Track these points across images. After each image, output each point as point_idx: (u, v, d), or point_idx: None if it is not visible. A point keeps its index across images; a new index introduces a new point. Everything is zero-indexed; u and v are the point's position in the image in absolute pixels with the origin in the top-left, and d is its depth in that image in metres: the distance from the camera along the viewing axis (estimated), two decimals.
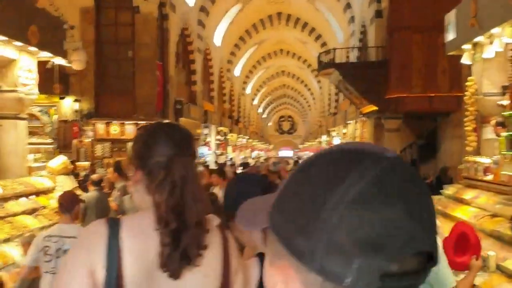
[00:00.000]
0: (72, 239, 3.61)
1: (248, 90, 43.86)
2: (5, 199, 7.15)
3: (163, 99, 17.42)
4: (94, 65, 16.21)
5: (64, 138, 16.15)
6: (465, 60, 7.37)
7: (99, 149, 16.15)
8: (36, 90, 8.71)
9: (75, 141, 16.01)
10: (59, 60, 9.21)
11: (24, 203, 7.39)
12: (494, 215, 5.29)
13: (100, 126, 16.10)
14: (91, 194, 7.60)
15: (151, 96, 16.20)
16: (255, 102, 51.21)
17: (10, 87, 8.18)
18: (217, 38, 27.90)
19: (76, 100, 15.90)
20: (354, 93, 16.19)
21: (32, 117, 16.58)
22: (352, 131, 22.77)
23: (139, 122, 16.02)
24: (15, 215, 6.93)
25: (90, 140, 16.11)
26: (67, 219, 3.98)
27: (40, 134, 16.86)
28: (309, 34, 32.79)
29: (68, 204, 4.00)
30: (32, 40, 7.97)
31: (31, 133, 17.48)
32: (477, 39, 6.69)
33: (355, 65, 17.40)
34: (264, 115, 64.62)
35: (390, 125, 14.86)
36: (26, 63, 8.37)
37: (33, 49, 8.29)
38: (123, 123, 16.11)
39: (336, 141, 27.80)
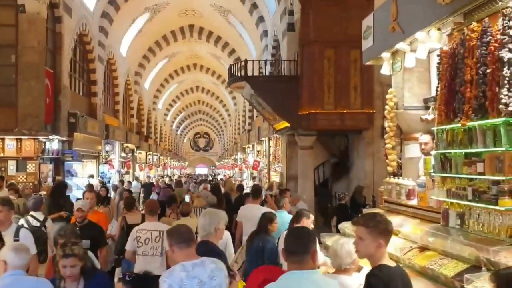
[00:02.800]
0: (159, 231, 5.36)
1: (160, 105, 41.92)
2: None
3: (54, 111, 15.30)
4: None
5: None
6: (385, 70, 6.56)
7: None
8: None
9: None
10: None
11: None
12: (424, 248, 4.36)
13: None
14: None
15: (37, 108, 14.06)
16: (168, 118, 49.24)
17: None
18: (123, 48, 25.99)
19: None
20: (267, 108, 15.31)
21: None
22: (265, 148, 21.98)
23: (22, 137, 13.86)
24: None
25: None
26: (152, 219, 5.70)
27: None
28: (223, 49, 31.88)
29: (154, 208, 5.85)
30: None
31: None
32: (398, 46, 5.87)
33: (267, 78, 16.57)
34: (179, 132, 62.67)
35: (303, 142, 14.11)
36: None
37: None
38: (2, 138, 13.82)
39: (250, 158, 26.95)
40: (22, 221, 6.00)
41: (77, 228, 5.25)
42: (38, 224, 6.16)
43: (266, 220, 5.67)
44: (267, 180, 19.86)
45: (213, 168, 65.32)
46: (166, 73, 38.30)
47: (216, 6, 25.91)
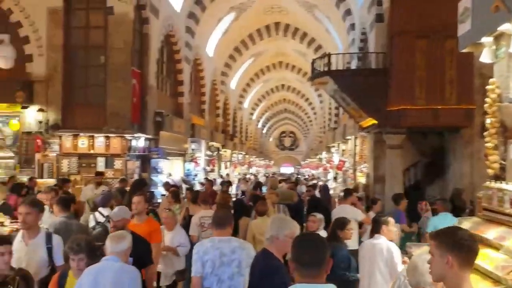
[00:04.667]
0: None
1: (246, 104, 42.25)
2: None
3: (141, 110, 15.71)
4: (62, 72, 14.62)
5: (26, 152, 14.49)
6: (485, 57, 5.59)
7: (65, 165, 14.42)
8: None
9: (38, 156, 14.31)
10: None
11: None
12: None
13: (67, 139, 14.42)
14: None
15: (124, 107, 14.51)
16: (254, 117, 49.56)
17: None
18: (210, 48, 26.34)
19: (40, 110, 14.25)
20: (352, 105, 14.46)
21: None
22: (351, 147, 21.02)
23: (110, 135, 14.37)
24: None
25: (55, 154, 14.40)
26: (207, 207, 7.07)
27: (2, 147, 15.23)
28: (309, 45, 31.25)
29: (206, 198, 7.33)
30: None
31: None
32: (502, 28, 4.92)
33: (352, 72, 15.65)
34: (264, 130, 62.97)
35: (392, 141, 13.11)
36: None
37: None
38: (92, 136, 14.42)
39: (335, 158, 26.06)
40: (90, 217, 5.97)
41: None
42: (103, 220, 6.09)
43: (337, 225, 5.10)
44: (353, 181, 18.94)
45: (298, 167, 64.77)
46: (252, 72, 38.47)
47: (302, 2, 25.36)
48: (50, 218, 6.22)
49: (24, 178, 12.35)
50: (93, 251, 3.79)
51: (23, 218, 4.23)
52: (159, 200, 12.07)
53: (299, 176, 32.60)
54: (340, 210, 7.30)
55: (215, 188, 14.90)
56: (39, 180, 12.83)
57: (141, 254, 4.46)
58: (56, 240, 4.38)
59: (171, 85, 20.54)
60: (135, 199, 5.57)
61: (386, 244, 5.01)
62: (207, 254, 3.87)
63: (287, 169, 64.90)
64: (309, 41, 30.91)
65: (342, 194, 8.42)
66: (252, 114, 47.93)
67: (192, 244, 6.31)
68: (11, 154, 14.93)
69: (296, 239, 2.49)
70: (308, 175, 38.65)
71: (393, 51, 12.87)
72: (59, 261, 4.31)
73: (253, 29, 30.27)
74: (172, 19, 19.10)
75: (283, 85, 47.56)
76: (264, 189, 12.30)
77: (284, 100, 55.25)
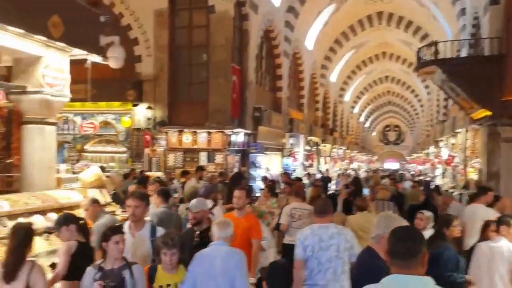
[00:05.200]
0: (303, 210, 6.74)
1: (347, 97, 41.26)
2: (15, 215, 6.09)
3: (240, 106, 16.02)
4: (168, 71, 15.38)
5: (136, 147, 15.50)
6: None
7: (171, 159, 15.20)
8: (67, 91, 7.68)
9: (147, 150, 15.24)
10: (94, 58, 8.10)
11: (37, 221, 6.26)
12: None
13: (173, 135, 15.16)
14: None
15: (225, 103, 14.89)
16: (355, 110, 48.26)
17: (35, 88, 7.21)
18: (309, 41, 26.07)
19: (149, 108, 15.16)
20: (462, 95, 13.40)
21: (107, 125, 16.27)
22: (462, 141, 19.51)
23: (212, 130, 14.84)
24: None
25: (162, 149, 15.24)
26: (299, 200, 7.04)
27: (115, 142, 16.47)
28: (414, 34, 29.60)
29: (300, 191, 7.35)
30: (54, 32, 6.91)
31: (108, 141, 17.29)
32: None
33: (461, 61, 14.44)
34: (367, 124, 61.08)
35: (508, 133, 11.91)
36: (54, 61, 7.36)
37: (60, 44, 7.27)
38: (195, 132, 15.01)
39: (444, 153, 24.39)
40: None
41: (197, 233, 4.67)
42: None
43: (442, 223, 4.68)
44: (463, 178, 17.56)
45: (404, 163, 61.92)
46: (353, 64, 37.45)
47: None
48: (152, 208, 6.54)
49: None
50: (183, 246, 3.88)
51: (132, 211, 4.29)
52: (258, 194, 12.18)
53: (403, 172, 31.12)
54: (471, 210, 6.63)
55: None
56: (148, 173, 13.64)
57: None
58: (161, 233, 4.34)
59: (270, 80, 20.67)
60: (237, 193, 5.42)
61: (507, 246, 4.68)
62: (307, 239, 4.19)
63: (391, 165, 62.39)
64: (415, 30, 29.27)
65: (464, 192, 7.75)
66: (353, 107, 46.72)
67: (283, 233, 7.07)
68: (124, 149, 16.12)
69: (391, 232, 2.44)
70: (415, 171, 36.74)
71: (510, 36, 11.64)
72: None
73: (354, 20, 29.42)
74: (271, 14, 19.17)
75: (386, 77, 45.70)
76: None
77: (388, 92, 53.08)
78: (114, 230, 3.69)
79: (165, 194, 6.20)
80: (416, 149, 50.00)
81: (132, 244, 4.21)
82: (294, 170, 21.95)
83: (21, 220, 6.15)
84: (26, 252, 3.58)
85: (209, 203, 6.50)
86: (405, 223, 3.63)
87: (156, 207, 6.19)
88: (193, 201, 4.88)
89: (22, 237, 3.60)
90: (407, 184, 15.61)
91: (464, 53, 16.31)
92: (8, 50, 6.81)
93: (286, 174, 13.37)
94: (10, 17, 6.04)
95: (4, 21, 5.96)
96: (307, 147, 26.32)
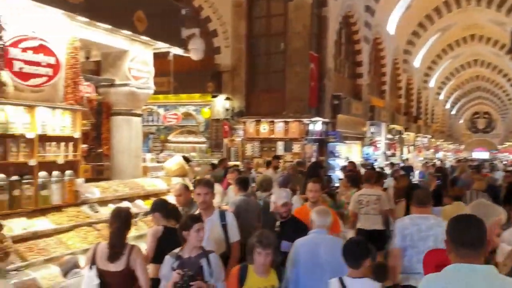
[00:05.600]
0: (371, 196, 6.86)
1: (431, 83, 39.20)
2: (105, 202, 6.48)
3: (318, 94, 15.79)
4: (246, 61, 15.53)
5: (216, 137, 15.87)
6: None
7: (249, 149, 15.38)
8: (151, 84, 8.00)
9: (226, 140, 15.55)
10: (176, 51, 8.35)
11: None
12: None
13: (250, 125, 15.32)
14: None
15: (302, 91, 14.76)
16: (441, 97, 45.78)
17: (122, 81, 7.59)
18: (391, 26, 25.04)
19: (227, 98, 15.43)
20: None
21: (189, 116, 16.80)
22: None
23: (289, 119, 14.79)
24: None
25: (240, 139, 15.47)
26: (369, 186, 7.12)
27: (196, 133, 16.98)
28: (508, 13, 27.33)
29: (369, 177, 7.33)
30: (139, 27, 7.21)
31: (189, 132, 17.87)
32: None
33: None
34: (453, 112, 57.77)
35: None
36: (139, 55, 7.69)
37: (145, 38, 7.57)
38: (272, 121, 15.04)
39: None
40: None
41: (278, 223, 4.62)
42: None
43: None
44: None
45: (494, 152, 57.90)
46: (439, 48, 35.43)
47: None
48: (232, 197, 6.67)
49: (215, 161, 13.53)
50: (277, 246, 3.69)
51: (203, 198, 4.43)
52: (337, 184, 11.98)
53: (494, 162, 29.09)
54: None
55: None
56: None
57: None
58: (230, 217, 4.55)
59: (349, 67, 20.16)
60: (311, 186, 5.28)
61: None
62: (407, 229, 4.20)
63: (481, 154, 58.56)
64: (509, 8, 27.01)
65: None
66: (439, 94, 44.32)
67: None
68: (204, 139, 16.58)
69: (453, 219, 2.35)
70: (507, 161, 34.28)
71: None
72: (233, 237, 4.49)
73: (439, 2, 27.77)
74: None
75: (475, 61, 42.77)
76: None
77: (477, 77, 49.68)
78: (195, 218, 3.71)
79: (243, 183, 6.26)
80: (509, 137, 46.53)
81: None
82: (376, 159, 21.32)
83: (111, 206, 6.54)
84: (127, 234, 3.76)
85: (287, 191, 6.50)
86: (502, 210, 3.53)
87: (234, 195, 6.29)
88: (282, 193, 4.80)
89: (124, 220, 3.81)
90: (499, 175, 14.60)
91: None
92: (97, 45, 7.21)
93: (351, 163, 13.03)
94: (99, 14, 6.38)
95: (93, 18, 6.30)
96: (389, 136, 25.41)
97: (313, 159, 14.53)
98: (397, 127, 26.88)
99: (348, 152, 18.81)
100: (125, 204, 6.73)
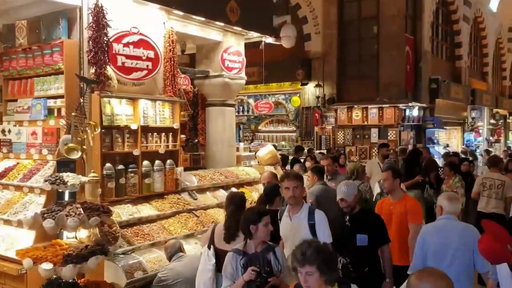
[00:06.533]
0: (501, 181, 7.15)
1: None
2: (202, 190, 6.68)
3: (414, 78, 15.00)
4: (337, 47, 15.15)
5: (306, 126, 15.72)
6: None
7: (340, 137, 15.04)
8: (243, 74, 8.04)
9: (317, 129, 15.35)
10: (268, 39, 8.30)
11: (221, 196, 6.77)
12: None
13: (342, 112, 14.95)
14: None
15: (397, 76, 14.12)
16: None
17: (216, 72, 7.72)
18: (493, 3, 23.05)
19: (317, 86, 15.19)
20: None
21: (278, 105, 16.81)
22: None
23: (383, 105, 14.23)
24: (207, 208, 6.35)
25: (331, 127, 15.17)
26: (495, 170, 7.42)
27: (286, 122, 16.96)
28: None
29: (495, 161, 7.77)
30: (232, 17, 7.26)
31: (279, 121, 17.87)
32: None
33: None
34: None
35: None
36: (231, 45, 7.76)
37: (237, 28, 7.62)
38: (365, 108, 14.55)
39: None
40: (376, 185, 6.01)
41: (347, 218, 4.18)
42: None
43: None
44: None
45: None
46: None
47: None
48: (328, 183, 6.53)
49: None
50: (328, 262, 2.57)
51: (292, 192, 4.00)
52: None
53: None
54: None
55: None
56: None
57: (373, 231, 4.07)
58: (319, 215, 4.01)
59: (448, 49, 18.92)
60: (383, 175, 4.97)
61: None
62: None
63: None
64: None
65: None
66: None
67: (475, 201, 7.52)
68: (294, 128, 16.51)
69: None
70: None
71: None
72: (322, 237, 3.82)
73: None
74: None
75: None
76: None
77: None
78: (263, 212, 3.49)
79: (320, 172, 6.18)
80: None
81: (291, 229, 4.01)
82: (478, 146, 19.89)
83: (209, 194, 6.73)
84: (241, 216, 3.69)
85: None
86: None
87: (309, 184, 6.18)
88: (344, 189, 4.20)
89: (238, 203, 3.99)
90: None
91: None
92: (192, 37, 7.36)
93: (425, 148, 12.18)
94: (193, 7, 6.51)
95: (189, 11, 6.44)
96: (492, 121, 23.55)
97: (410, 146, 13.87)
98: (501, 111, 24.82)
99: (447, 139, 17.72)
100: (220, 192, 6.91)
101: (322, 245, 2.61)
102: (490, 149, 18.35)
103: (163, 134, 5.89)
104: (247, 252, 3.36)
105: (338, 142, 15.00)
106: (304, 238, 3.14)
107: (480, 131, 21.38)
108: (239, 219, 3.61)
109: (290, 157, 10.78)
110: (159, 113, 5.87)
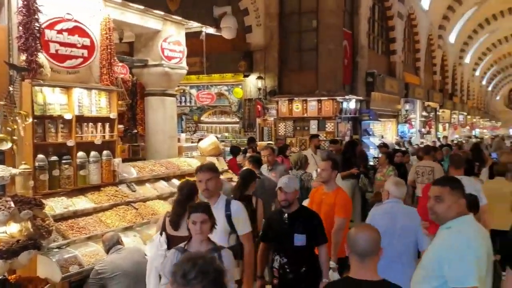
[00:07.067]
0: (431, 167, 8.07)
1: (467, 59, 37.85)
2: (142, 181, 6.54)
3: (352, 72, 15.47)
4: (278, 39, 15.29)
5: (248, 117, 15.80)
6: None
7: (281, 128, 15.26)
8: (184, 64, 7.96)
9: (258, 120, 15.48)
10: (208, 30, 8.26)
11: (161, 187, 6.68)
12: None
13: (283, 104, 15.16)
14: None
15: (335, 69, 14.48)
16: (477, 73, 44.22)
17: (155, 61, 7.58)
18: (425, 1, 24.19)
19: (259, 78, 15.28)
20: None
21: (221, 96, 16.77)
22: None
23: (322, 98, 14.57)
24: (146, 200, 6.23)
25: (272, 118, 15.35)
26: (427, 158, 8.46)
27: (229, 113, 16.97)
28: None
29: (427, 150, 8.84)
30: (171, 6, 7.16)
31: (222, 112, 17.85)
32: None
33: None
34: (490, 88, 55.83)
35: None
36: (171, 34, 7.65)
37: (177, 18, 7.51)
38: (305, 100, 14.83)
39: None
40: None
41: (285, 216, 4.04)
42: None
43: None
44: None
45: None
46: (475, 23, 34.03)
47: None
48: (268, 174, 6.64)
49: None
50: (215, 283, 1.84)
51: (205, 185, 3.90)
52: (371, 163, 11.81)
53: None
54: None
55: None
56: (260, 143, 13.85)
57: (310, 230, 3.97)
58: (235, 205, 3.98)
59: (383, 44, 19.65)
60: (322, 165, 4.87)
61: None
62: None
63: None
64: None
65: None
66: (475, 70, 42.82)
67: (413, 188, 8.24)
68: (237, 119, 16.55)
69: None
70: None
71: None
72: (241, 230, 3.93)
73: None
74: None
75: None
76: None
77: None
78: (193, 208, 3.24)
79: (257, 161, 6.30)
80: None
81: None
82: (411, 137, 20.89)
83: (148, 185, 6.62)
84: (188, 204, 3.59)
85: None
86: None
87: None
88: (285, 180, 4.08)
89: (186, 193, 3.96)
90: None
91: None
92: (130, 26, 7.20)
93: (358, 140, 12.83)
94: None
95: None
96: (424, 113, 24.80)
97: (347, 138, 14.31)
98: (432, 105, 26.18)
99: (382, 130, 18.45)
100: (161, 183, 6.82)
101: (208, 262, 1.89)
102: (411, 140, 19.43)
103: (100, 124, 5.71)
104: (189, 251, 3.12)
105: (280, 134, 15.20)
106: (222, 230, 3.61)
107: (413, 123, 22.43)
108: (183, 209, 3.65)
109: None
110: (95, 102, 5.69)
